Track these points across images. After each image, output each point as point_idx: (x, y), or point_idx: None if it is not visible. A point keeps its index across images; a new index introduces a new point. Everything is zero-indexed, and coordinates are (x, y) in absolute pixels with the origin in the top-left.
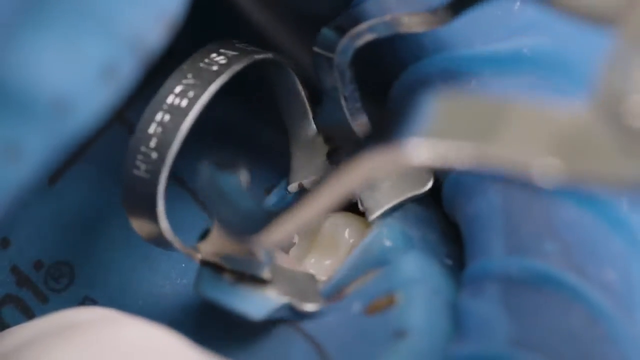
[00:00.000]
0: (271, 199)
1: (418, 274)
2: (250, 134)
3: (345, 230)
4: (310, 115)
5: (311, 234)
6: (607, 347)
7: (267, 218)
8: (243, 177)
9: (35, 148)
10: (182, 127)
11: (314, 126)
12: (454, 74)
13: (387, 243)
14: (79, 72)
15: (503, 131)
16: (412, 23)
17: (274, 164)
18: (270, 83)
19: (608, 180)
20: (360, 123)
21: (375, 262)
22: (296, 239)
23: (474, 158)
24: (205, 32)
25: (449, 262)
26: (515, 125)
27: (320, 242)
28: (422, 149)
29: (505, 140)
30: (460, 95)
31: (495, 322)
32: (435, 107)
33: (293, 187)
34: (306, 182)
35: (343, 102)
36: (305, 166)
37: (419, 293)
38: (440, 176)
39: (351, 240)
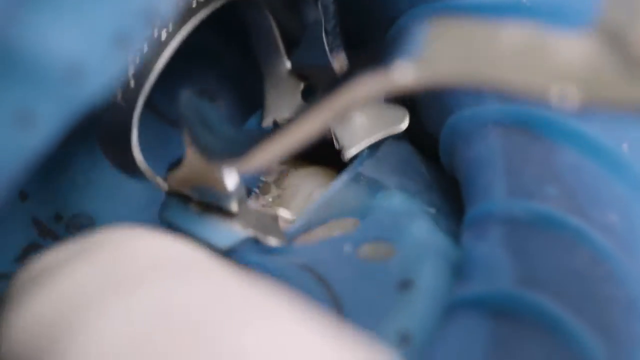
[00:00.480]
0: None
1: (406, 224)
2: (226, 66)
3: (311, 183)
4: (284, 54)
5: (278, 189)
6: (612, 286)
7: (248, 141)
8: (222, 105)
9: (49, 114)
10: (160, 59)
11: (288, 64)
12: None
13: (363, 191)
14: (92, 39)
15: (503, 55)
16: None
17: (248, 97)
18: (246, 21)
19: (614, 105)
20: (339, 59)
21: (350, 210)
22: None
23: (474, 80)
24: None
25: (432, 210)
26: (519, 52)
27: (287, 194)
28: (412, 71)
29: (508, 65)
30: (457, 20)
31: (500, 263)
32: (428, 32)
33: (267, 122)
34: (280, 119)
35: (324, 37)
36: (279, 103)
37: (413, 245)
38: (430, 124)
39: (318, 192)
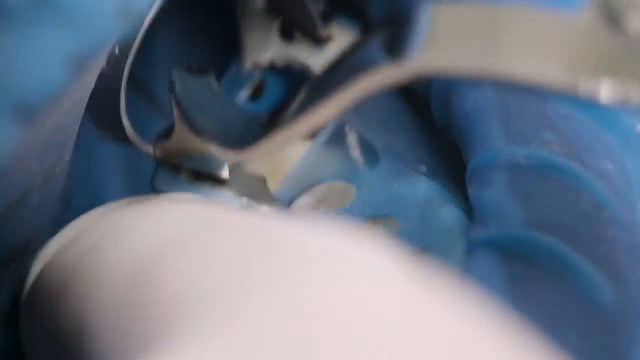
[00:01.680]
0: (225, 80)
1: (404, 195)
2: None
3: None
4: None
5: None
6: (616, 229)
7: (243, 122)
8: (213, 80)
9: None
10: (143, 25)
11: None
12: None
13: (353, 153)
14: None
15: (509, 43)
16: None
17: (226, 42)
18: None
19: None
20: (315, 8)
21: (339, 171)
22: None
23: (482, 72)
24: None
25: (423, 169)
26: (520, 37)
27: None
28: (425, 62)
29: (514, 53)
30: (459, 6)
31: (508, 208)
32: (435, 17)
33: (247, 64)
34: (262, 59)
35: None
36: (256, 43)
37: (415, 217)
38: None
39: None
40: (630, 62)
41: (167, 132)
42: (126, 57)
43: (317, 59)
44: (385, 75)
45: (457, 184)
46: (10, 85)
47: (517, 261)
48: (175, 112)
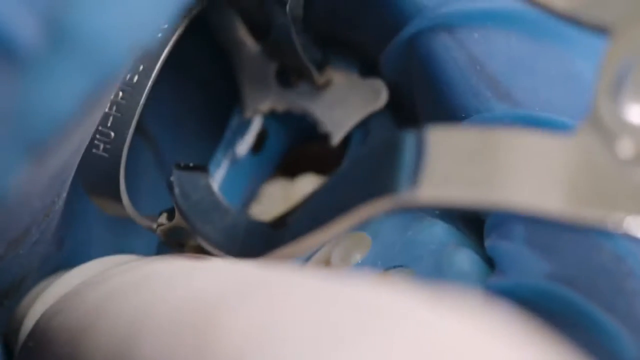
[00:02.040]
0: (228, 131)
1: (418, 244)
2: (198, 68)
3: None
4: (252, 39)
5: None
6: (635, 281)
7: (247, 228)
8: (210, 180)
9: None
10: (138, 105)
11: (257, 48)
12: (456, 27)
13: None
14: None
15: (507, 172)
16: None
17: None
18: (209, 23)
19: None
20: (309, 58)
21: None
22: None
23: (482, 203)
24: None
25: (436, 211)
26: (518, 163)
27: None
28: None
29: (511, 181)
30: (454, 130)
31: (527, 259)
32: (433, 145)
33: (249, 112)
34: (263, 106)
35: (294, 36)
36: (255, 90)
37: (431, 267)
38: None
39: None
40: (625, 188)
41: (169, 215)
42: (123, 140)
43: (317, 103)
44: (380, 206)
45: (472, 228)
46: (23, 123)
47: (537, 313)
48: (177, 213)
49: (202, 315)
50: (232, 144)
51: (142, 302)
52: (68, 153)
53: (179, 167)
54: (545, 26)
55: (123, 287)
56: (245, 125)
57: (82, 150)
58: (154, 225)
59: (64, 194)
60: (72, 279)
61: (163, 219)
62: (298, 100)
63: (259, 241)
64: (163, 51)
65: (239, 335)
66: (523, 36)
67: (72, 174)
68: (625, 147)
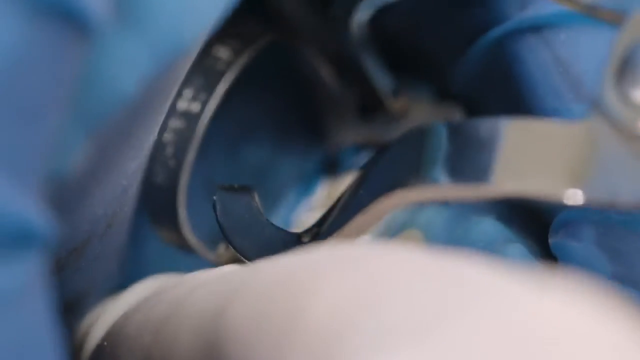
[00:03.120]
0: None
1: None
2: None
3: None
4: (333, 76)
5: None
6: None
7: (284, 241)
8: (255, 198)
9: None
10: (197, 133)
11: (336, 84)
12: (543, 28)
13: None
14: None
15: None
16: None
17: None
18: (284, 58)
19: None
20: (384, 84)
21: (408, 218)
22: None
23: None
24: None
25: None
26: (538, 151)
27: None
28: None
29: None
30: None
31: (595, 262)
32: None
33: (332, 147)
34: (344, 140)
35: (363, 62)
36: (339, 126)
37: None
38: None
39: None
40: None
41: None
42: (180, 169)
43: (395, 134)
44: (440, 191)
45: (521, 224)
46: (85, 98)
47: None
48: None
49: (298, 281)
50: (314, 179)
51: (231, 284)
52: (127, 150)
53: (222, 187)
54: None
55: (207, 279)
56: (325, 159)
57: (143, 161)
58: (213, 256)
59: (127, 209)
60: (135, 296)
61: (222, 249)
62: (377, 132)
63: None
64: (226, 84)
65: (333, 301)
66: (610, 37)
67: (135, 186)
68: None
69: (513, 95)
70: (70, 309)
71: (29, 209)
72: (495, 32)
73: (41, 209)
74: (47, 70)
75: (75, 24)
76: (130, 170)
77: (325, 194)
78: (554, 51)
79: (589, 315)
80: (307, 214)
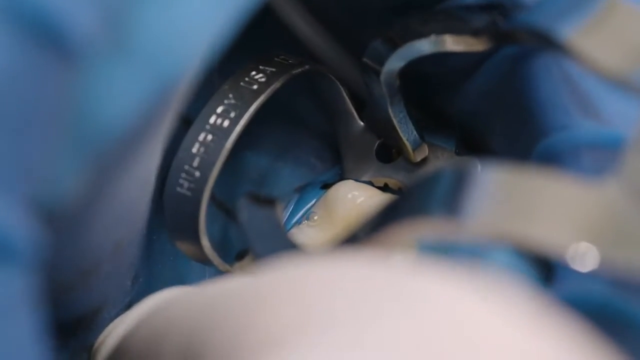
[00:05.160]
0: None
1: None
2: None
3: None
4: (356, 115)
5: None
6: None
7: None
8: (279, 211)
9: None
10: (224, 148)
11: (360, 123)
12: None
13: None
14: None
15: (539, 211)
16: (455, 44)
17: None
18: (314, 90)
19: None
20: (406, 134)
21: None
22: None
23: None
24: (253, 43)
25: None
26: (550, 205)
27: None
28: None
29: (540, 220)
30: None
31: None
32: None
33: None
34: (362, 178)
35: (390, 111)
36: (356, 163)
37: None
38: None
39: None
40: None
41: (245, 251)
42: (206, 180)
43: (412, 179)
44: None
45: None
46: (78, 125)
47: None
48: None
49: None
50: None
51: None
52: (130, 188)
53: (247, 196)
54: None
55: (224, 292)
56: None
57: (149, 194)
58: (227, 267)
59: (135, 237)
60: (146, 309)
61: (239, 258)
62: (395, 175)
63: None
64: (258, 105)
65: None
66: None
67: (142, 217)
68: None
69: (522, 113)
70: (85, 325)
71: (9, 222)
72: (509, 50)
73: (25, 225)
74: (29, 88)
75: (59, 44)
76: (134, 197)
77: (322, 204)
78: (563, 69)
79: (510, 322)
80: (304, 224)
